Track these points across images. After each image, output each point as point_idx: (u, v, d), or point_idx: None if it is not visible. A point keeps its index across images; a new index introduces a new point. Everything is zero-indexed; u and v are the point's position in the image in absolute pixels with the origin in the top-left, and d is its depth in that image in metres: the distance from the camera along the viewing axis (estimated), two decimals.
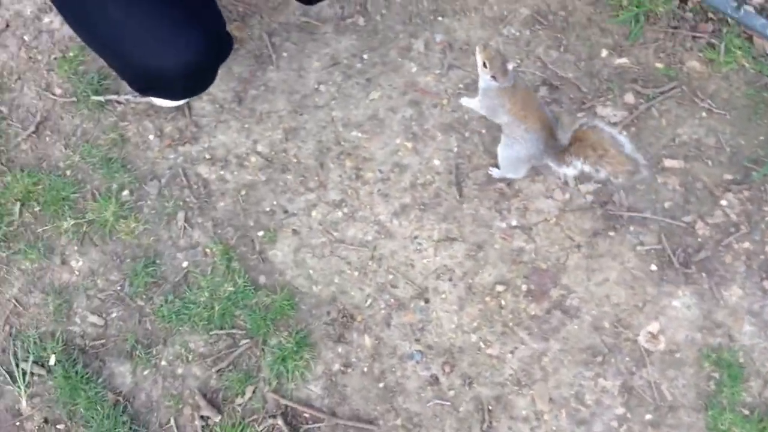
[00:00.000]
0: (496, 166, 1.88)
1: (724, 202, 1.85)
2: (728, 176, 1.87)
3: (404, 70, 2.02)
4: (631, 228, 1.84)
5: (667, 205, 1.86)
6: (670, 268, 1.81)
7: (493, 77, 1.63)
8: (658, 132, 1.92)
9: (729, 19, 1.98)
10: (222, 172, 1.94)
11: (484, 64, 1.63)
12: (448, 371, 1.76)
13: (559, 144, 1.70)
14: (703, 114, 1.93)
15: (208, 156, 1.95)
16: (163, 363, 1.80)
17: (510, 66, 1.64)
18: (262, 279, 1.85)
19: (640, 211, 1.85)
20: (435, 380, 1.76)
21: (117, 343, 1.81)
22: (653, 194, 1.87)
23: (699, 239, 1.83)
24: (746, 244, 1.82)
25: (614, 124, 1.92)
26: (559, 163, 1.71)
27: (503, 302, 1.80)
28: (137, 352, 1.79)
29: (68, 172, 1.94)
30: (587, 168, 1.66)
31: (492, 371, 1.76)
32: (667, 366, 1.75)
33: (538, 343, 1.77)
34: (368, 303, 1.82)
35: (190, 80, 1.62)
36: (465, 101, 1.83)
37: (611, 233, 1.84)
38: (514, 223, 1.86)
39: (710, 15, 2.00)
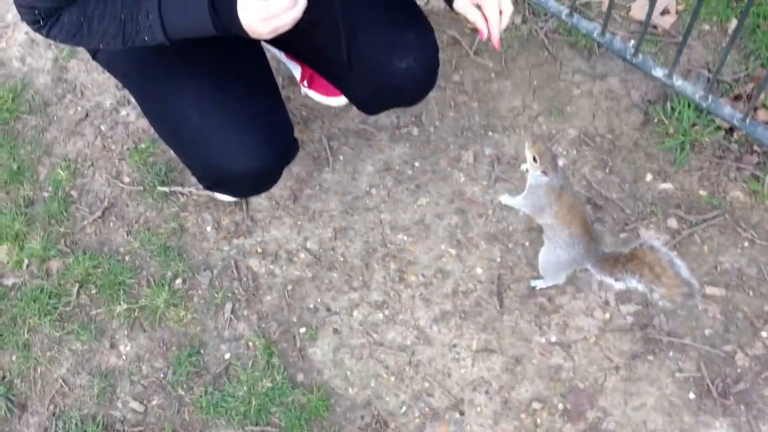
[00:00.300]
0: (537, 278, 1.92)
1: (764, 334, 1.84)
2: None
3: (452, 179, 2.09)
4: (671, 353, 1.84)
5: (707, 332, 1.85)
6: (708, 397, 1.79)
7: (544, 172, 1.61)
8: (700, 258, 1.94)
9: None
10: (271, 267, 2.01)
11: (534, 159, 1.61)
12: None
13: (600, 251, 1.71)
14: (746, 244, 1.94)
15: (259, 250, 2.03)
16: None
17: (561, 162, 1.62)
18: (300, 377, 1.88)
19: (680, 336, 1.85)
20: None
21: (154, 431, 1.84)
22: (694, 321, 1.87)
23: (738, 370, 1.81)
24: None
25: None
26: (603, 273, 1.71)
27: (539, 420, 1.79)
28: None
29: (127, 258, 2.03)
30: (641, 286, 1.65)
31: None
32: None
33: None
34: (403, 410, 1.83)
35: (257, 181, 1.73)
36: (506, 199, 1.79)
37: (650, 357, 1.84)
38: (553, 339, 1.88)
39: (755, 147, 2.04)
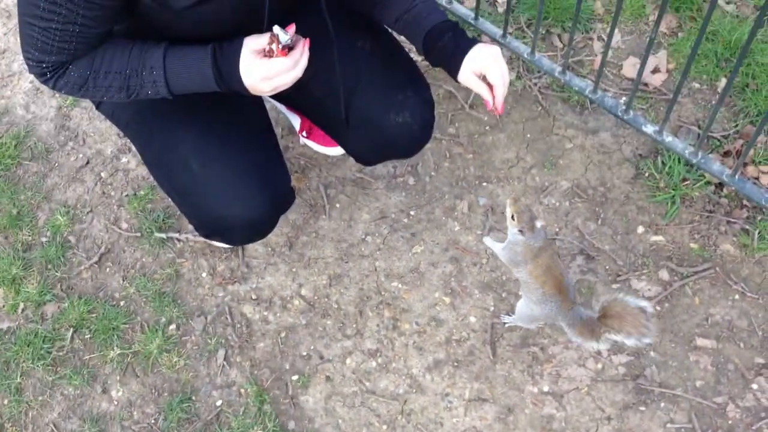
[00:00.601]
0: (531, 332, 1.94)
1: (755, 386, 1.85)
2: (760, 360, 1.88)
3: (447, 228, 2.13)
4: (662, 404, 1.84)
5: (698, 383, 1.87)
6: None
7: (521, 231, 1.65)
8: (691, 310, 1.96)
9: (763, 208, 2.07)
10: (265, 313, 2.03)
11: (512, 217, 1.65)
12: None
13: (577, 314, 1.73)
14: (736, 296, 1.97)
15: (254, 296, 2.05)
16: None
17: (539, 224, 1.66)
18: (291, 424, 1.88)
19: (672, 387, 1.86)
20: None
21: None
22: (685, 372, 1.88)
23: (730, 421, 1.82)
24: None
25: (649, 299, 1.97)
26: (583, 338, 1.73)
27: None
28: None
29: (122, 303, 2.05)
30: (625, 339, 1.68)
31: None
32: None
33: None
34: None
35: (253, 230, 1.76)
36: (488, 242, 1.81)
37: (642, 408, 1.84)
38: (545, 388, 1.89)
39: (744, 202, 2.09)
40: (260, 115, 1.82)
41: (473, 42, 1.55)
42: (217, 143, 1.66)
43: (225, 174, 1.63)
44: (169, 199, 2.02)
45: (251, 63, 1.40)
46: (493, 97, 1.54)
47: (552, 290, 1.71)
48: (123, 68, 1.43)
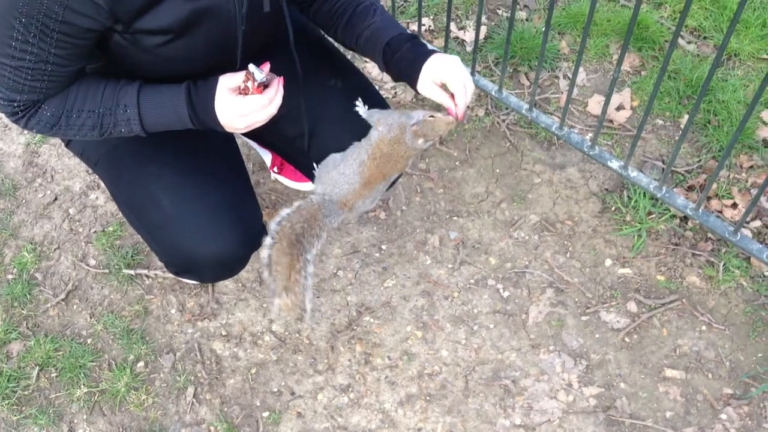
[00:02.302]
0: (502, 365, 1.99)
1: (723, 416, 1.91)
2: (728, 390, 1.95)
3: (419, 262, 2.19)
4: None
5: (668, 414, 1.92)
6: None
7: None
8: (660, 341, 2.03)
9: (726, 241, 2.16)
10: (236, 350, 2.05)
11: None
12: None
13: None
14: (703, 328, 2.04)
15: (224, 332, 2.07)
16: None
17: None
18: None
19: (642, 419, 1.92)
20: None
21: None
22: (655, 403, 1.94)
23: None
24: None
25: (618, 330, 2.04)
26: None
27: None
28: None
29: (89, 341, 2.06)
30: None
31: None
32: None
33: None
34: None
35: (224, 268, 1.77)
36: (360, 109, 1.72)
37: None
38: (518, 421, 1.93)
39: (709, 235, 2.18)
40: (232, 152, 1.86)
41: (432, 52, 1.58)
42: (189, 181, 1.69)
43: (197, 212, 1.66)
44: (138, 235, 2.05)
45: (226, 100, 1.45)
46: (456, 105, 1.56)
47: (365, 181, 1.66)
48: (96, 107, 1.46)
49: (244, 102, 1.44)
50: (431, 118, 1.62)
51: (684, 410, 1.93)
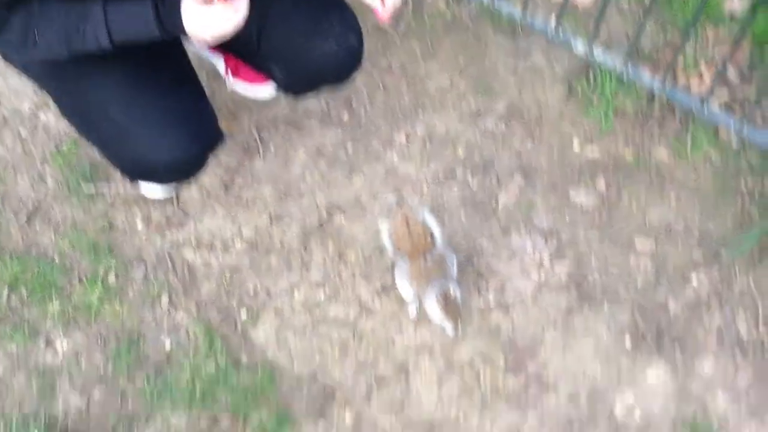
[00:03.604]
0: (475, 251, 2.20)
1: (694, 282, 2.16)
2: (698, 257, 2.19)
3: (386, 159, 2.37)
4: (605, 306, 2.14)
5: (639, 284, 2.16)
6: (644, 343, 2.09)
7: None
8: (629, 216, 2.25)
9: (694, 114, 2.38)
10: (207, 256, 2.24)
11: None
12: None
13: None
14: (672, 200, 2.27)
15: (193, 241, 2.26)
16: None
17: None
18: (243, 358, 2.11)
19: (614, 290, 2.15)
20: None
21: (100, 422, 2.04)
22: (626, 275, 2.18)
23: (671, 316, 2.12)
24: (717, 320, 2.11)
25: (587, 209, 2.26)
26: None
27: (482, 377, 2.06)
28: (120, 431, 2.03)
29: (57, 259, 2.24)
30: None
31: None
32: None
33: (516, 415, 2.02)
34: (349, 380, 2.07)
35: (179, 172, 1.94)
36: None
37: (586, 311, 2.13)
38: (492, 302, 2.16)
39: (677, 111, 2.39)
40: (181, 58, 1.99)
41: None
42: (137, 87, 1.82)
43: (146, 116, 1.80)
44: (96, 152, 2.20)
45: (192, 11, 1.57)
46: (383, 4, 1.66)
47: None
48: (63, 25, 1.57)
49: (210, 12, 1.55)
50: None
51: (655, 279, 2.17)
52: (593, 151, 2.36)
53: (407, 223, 2.03)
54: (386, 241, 2.08)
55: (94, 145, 1.98)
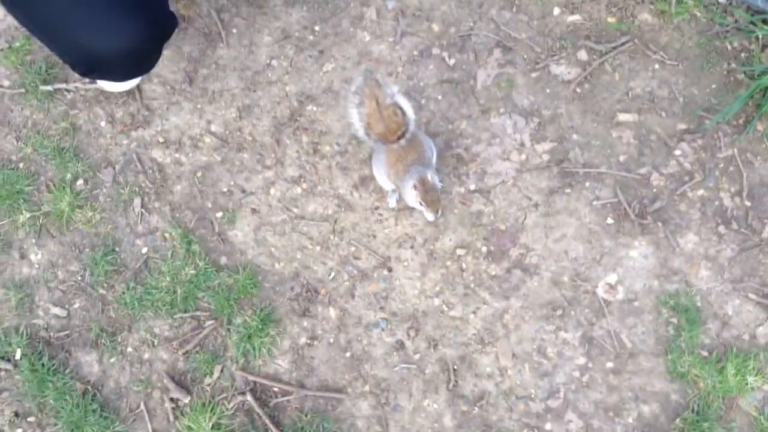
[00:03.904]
0: (453, 134, 2.10)
1: (678, 152, 2.07)
2: (682, 126, 2.09)
3: (357, 39, 2.22)
4: (587, 184, 2.06)
5: (622, 158, 2.08)
6: (626, 220, 2.03)
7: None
8: (612, 87, 2.13)
9: None
10: (177, 155, 2.13)
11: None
12: (413, 336, 1.98)
13: None
14: (656, 66, 2.14)
15: (161, 139, 2.14)
16: (129, 349, 2.01)
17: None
18: (223, 260, 2.05)
19: (596, 166, 2.07)
20: (401, 345, 1.98)
21: (81, 333, 2.01)
22: (608, 149, 2.09)
23: (654, 190, 2.05)
24: (701, 192, 2.05)
25: (569, 82, 2.13)
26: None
27: (464, 265, 2.01)
28: (102, 341, 2.00)
29: (21, 165, 2.13)
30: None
31: (456, 332, 1.98)
32: (626, 315, 1.98)
33: (499, 301, 1.99)
34: (331, 276, 2.03)
35: (132, 60, 1.81)
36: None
37: (568, 190, 2.06)
38: (472, 187, 2.08)
39: None
40: None
41: None
42: None
43: (90, 3, 1.67)
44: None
45: None
46: None
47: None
48: None
49: None
50: None
51: (638, 152, 2.08)
52: (574, 18, 2.20)
53: (377, 103, 1.88)
54: (356, 124, 1.93)
55: (37, 36, 1.84)
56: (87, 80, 2.13)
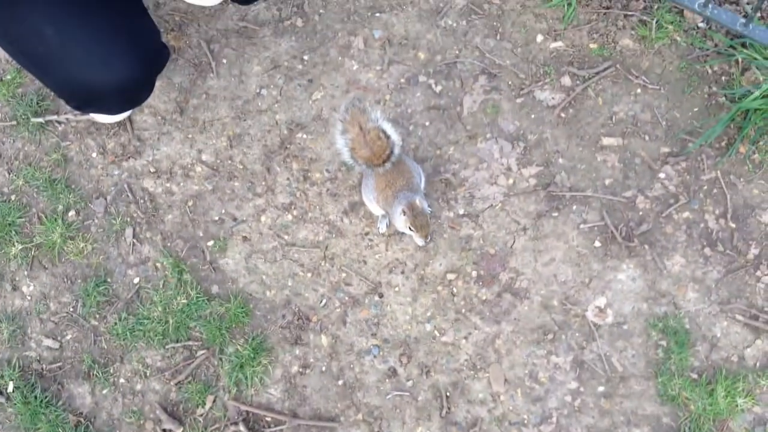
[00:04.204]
0: (441, 160, 2.09)
1: (662, 175, 2.07)
2: (665, 149, 2.09)
3: (345, 68, 2.21)
4: (574, 207, 2.05)
5: (607, 182, 2.07)
6: (614, 243, 2.02)
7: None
8: (596, 112, 2.13)
9: None
10: (168, 185, 2.11)
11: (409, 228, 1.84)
12: (405, 362, 1.96)
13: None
14: (638, 90, 2.14)
15: (152, 169, 2.12)
16: (122, 380, 1.97)
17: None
18: (214, 289, 2.03)
19: (582, 190, 2.06)
20: (393, 372, 1.95)
21: (74, 365, 1.97)
22: (594, 173, 2.08)
23: (640, 213, 2.04)
24: (686, 214, 2.04)
25: (553, 107, 2.13)
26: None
27: (455, 290, 2.00)
28: (95, 372, 1.96)
29: (13, 197, 2.10)
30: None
31: (448, 358, 1.96)
32: (616, 338, 1.96)
33: (490, 326, 1.97)
34: (323, 303, 2.01)
35: (126, 94, 1.78)
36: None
37: (555, 214, 2.05)
38: (461, 211, 2.06)
39: None
40: None
41: None
42: (71, 6, 1.64)
43: (83, 37, 1.63)
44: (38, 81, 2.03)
45: None
46: None
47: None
48: None
49: None
50: None
51: (623, 175, 2.07)
52: (557, 44, 2.20)
53: (360, 128, 1.85)
54: (342, 149, 1.89)
55: (31, 71, 1.80)
56: (79, 113, 2.11)
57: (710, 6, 2.13)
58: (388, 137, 1.86)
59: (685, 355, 1.92)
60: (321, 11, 2.25)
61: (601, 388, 1.93)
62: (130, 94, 1.78)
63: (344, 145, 1.87)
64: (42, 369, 1.96)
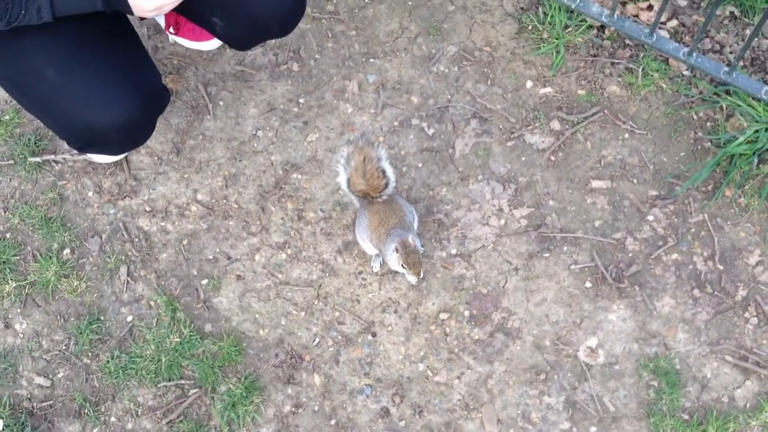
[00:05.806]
0: (434, 200, 2.04)
1: (650, 217, 2.03)
2: (653, 192, 2.06)
3: (340, 111, 2.18)
4: (565, 248, 2.00)
5: (597, 224, 2.03)
6: (604, 283, 1.97)
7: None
8: (585, 155, 2.10)
9: (644, 44, 2.19)
10: (163, 224, 2.05)
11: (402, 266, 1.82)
12: (398, 402, 1.88)
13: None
14: (626, 135, 2.12)
15: (148, 208, 2.06)
16: (113, 419, 1.89)
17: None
18: (207, 327, 1.95)
19: (572, 231, 2.02)
20: (386, 412, 1.88)
21: (65, 403, 1.88)
22: (583, 214, 2.04)
23: (629, 254, 2.00)
24: (674, 256, 2.00)
25: (543, 150, 2.10)
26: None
27: (447, 329, 1.93)
28: (86, 411, 1.87)
29: (8, 235, 2.03)
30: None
31: (441, 398, 1.89)
32: (608, 378, 1.90)
33: (483, 366, 1.90)
34: (316, 342, 1.94)
35: (127, 135, 1.74)
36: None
37: (546, 254, 2.00)
38: (453, 251, 2.01)
39: (627, 41, 2.21)
40: (117, 17, 1.78)
41: None
42: (73, 47, 1.62)
43: (85, 79, 1.61)
44: (38, 120, 1.98)
45: None
46: None
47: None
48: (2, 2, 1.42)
49: None
50: None
51: (612, 217, 2.03)
52: (546, 90, 2.18)
53: (364, 159, 1.84)
54: (341, 176, 1.87)
55: (32, 112, 1.78)
56: (75, 152, 2.06)
57: (694, 55, 2.13)
58: (385, 176, 1.83)
59: (677, 396, 1.86)
60: (317, 56, 2.23)
61: (593, 429, 1.86)
62: (132, 134, 1.74)
63: (344, 171, 1.87)
64: (33, 407, 1.88)
